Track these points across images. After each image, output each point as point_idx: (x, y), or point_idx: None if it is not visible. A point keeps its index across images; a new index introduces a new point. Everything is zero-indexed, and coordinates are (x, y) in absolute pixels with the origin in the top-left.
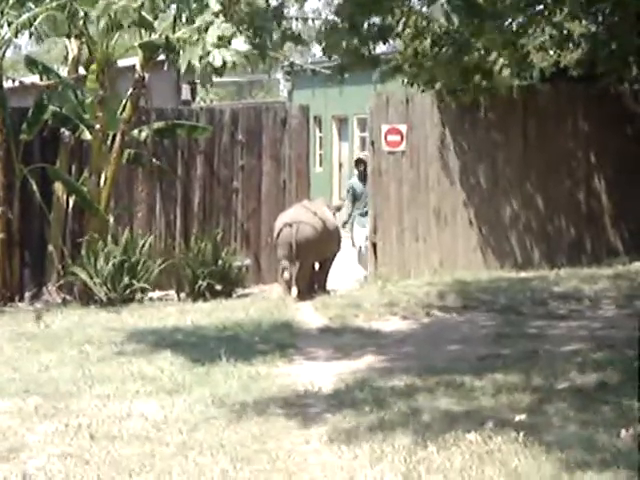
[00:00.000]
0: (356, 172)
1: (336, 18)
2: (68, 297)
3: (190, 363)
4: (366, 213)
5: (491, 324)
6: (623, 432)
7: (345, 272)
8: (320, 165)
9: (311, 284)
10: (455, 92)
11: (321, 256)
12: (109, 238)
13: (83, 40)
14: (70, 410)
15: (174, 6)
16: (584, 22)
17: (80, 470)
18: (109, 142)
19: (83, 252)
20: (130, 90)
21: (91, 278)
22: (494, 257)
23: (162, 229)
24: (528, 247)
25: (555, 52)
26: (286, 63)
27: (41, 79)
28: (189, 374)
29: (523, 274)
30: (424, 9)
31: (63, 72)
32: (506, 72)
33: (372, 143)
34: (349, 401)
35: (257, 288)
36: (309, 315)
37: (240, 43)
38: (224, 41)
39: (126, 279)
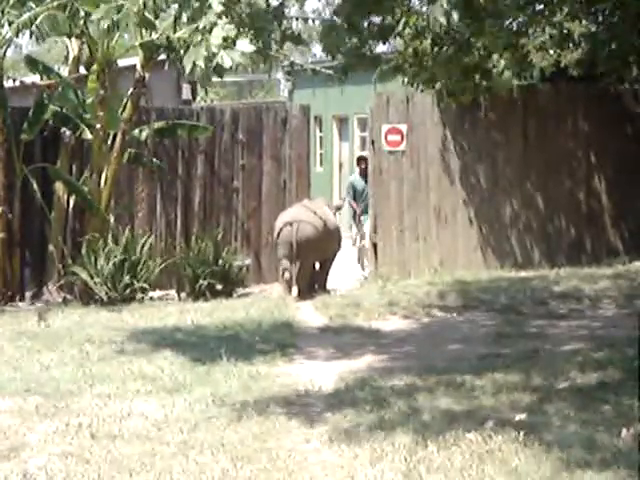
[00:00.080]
0: (357, 169)
1: (335, 18)
2: (69, 296)
3: (190, 362)
4: (366, 211)
5: (491, 324)
6: (624, 431)
7: (345, 272)
8: (320, 165)
9: (311, 284)
10: (455, 92)
11: (321, 256)
12: (110, 238)
13: (84, 40)
14: (71, 409)
15: (175, 6)
16: (584, 22)
17: (81, 469)
18: (110, 142)
19: (84, 252)
20: (131, 90)
21: (92, 278)
22: (494, 257)
23: (163, 229)
24: (528, 247)
25: (555, 52)
26: (286, 63)
27: (42, 79)
28: (189, 373)
29: (523, 274)
30: (424, 9)
31: (64, 72)
32: (507, 74)
33: (372, 143)
34: (349, 400)
35: (258, 288)
36: (309, 314)
37: (245, 44)
38: (229, 42)
39: (127, 278)
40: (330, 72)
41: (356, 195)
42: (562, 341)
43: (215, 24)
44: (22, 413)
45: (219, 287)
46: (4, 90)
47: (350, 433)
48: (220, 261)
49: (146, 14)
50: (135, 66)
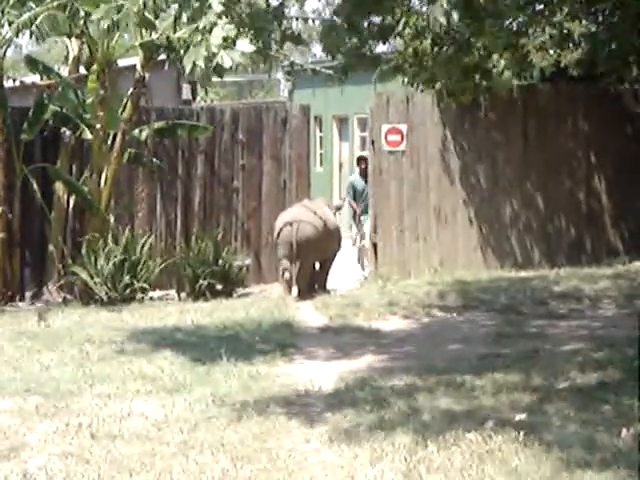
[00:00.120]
0: (357, 170)
1: (335, 18)
2: (69, 296)
3: (190, 362)
4: (366, 211)
5: (491, 324)
6: (624, 431)
7: (345, 272)
8: (320, 165)
9: (311, 284)
10: (455, 92)
11: (321, 256)
12: (110, 238)
13: (84, 40)
14: (71, 409)
15: (175, 6)
16: (584, 22)
17: (81, 469)
18: (110, 142)
19: (84, 252)
20: (131, 90)
21: (91, 278)
22: (494, 257)
23: (163, 229)
24: (528, 247)
25: (555, 52)
26: (286, 63)
27: (42, 79)
28: (189, 373)
29: (523, 274)
30: (424, 9)
31: (64, 72)
32: (507, 74)
33: (372, 143)
34: (349, 400)
35: (258, 288)
36: (309, 314)
37: (245, 44)
38: (229, 42)
39: (127, 278)
40: (330, 72)
41: (356, 195)
42: (562, 341)
43: (215, 24)
44: (22, 413)
45: (219, 287)
46: (4, 90)
47: (350, 433)
48: (220, 261)
49: (146, 14)
50: (135, 66)
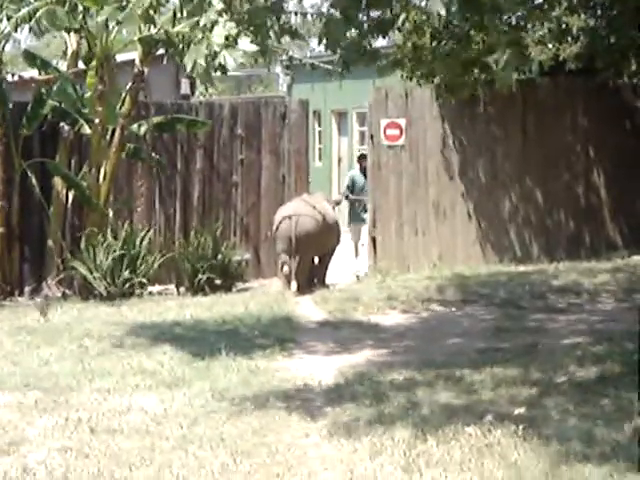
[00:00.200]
0: (357, 166)
1: (332, 11)
2: (68, 291)
3: (190, 357)
4: (363, 209)
5: (490, 318)
6: (626, 427)
7: (344, 266)
8: (319, 159)
9: (310, 278)
10: (453, 87)
11: (321, 250)
12: (109, 232)
13: (82, 34)
14: (70, 404)
15: (175, 0)
16: (583, 16)
17: (80, 464)
18: (108, 136)
19: (83, 246)
20: (129, 84)
21: (91, 272)
22: (493, 251)
23: (162, 223)
24: (527, 241)
25: (554, 46)
26: (285, 57)
27: (40, 73)
28: (189, 368)
29: (522, 268)
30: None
31: (62, 66)
32: (509, 69)
33: (371, 137)
34: (349, 395)
35: (257, 282)
36: (309, 309)
37: (247, 43)
38: (230, 41)
39: (126, 273)
40: (329, 67)
41: (355, 190)
42: (561, 335)
43: (216, 22)
44: (21, 408)
45: (218, 282)
46: (4, 85)
47: (349, 427)
48: (219, 256)
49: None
50: (134, 61)
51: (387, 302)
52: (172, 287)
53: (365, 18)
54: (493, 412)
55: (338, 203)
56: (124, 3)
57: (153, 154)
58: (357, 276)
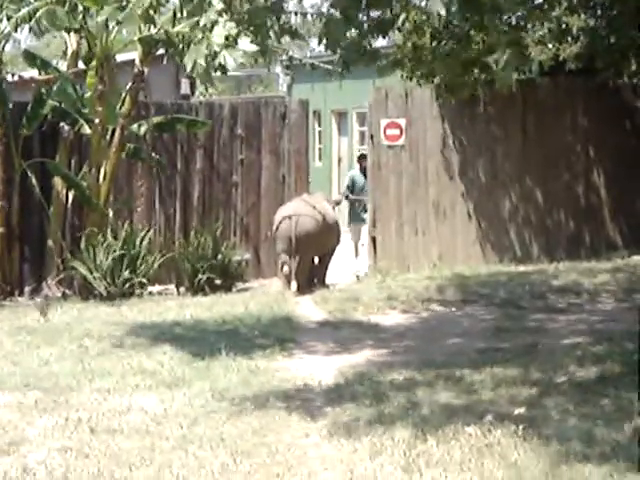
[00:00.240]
0: (357, 166)
1: (332, 11)
2: (68, 291)
3: (190, 357)
4: (363, 209)
5: (490, 318)
6: (626, 427)
7: (344, 266)
8: (319, 159)
9: (310, 278)
10: (453, 87)
11: (320, 250)
12: (109, 232)
13: (82, 34)
14: (70, 404)
15: (175, 0)
16: (583, 16)
17: (80, 464)
18: (108, 136)
19: (83, 246)
20: (129, 84)
21: (91, 272)
22: (493, 251)
23: (162, 223)
24: (527, 241)
25: (554, 46)
26: (285, 57)
27: (40, 73)
28: (189, 368)
29: (522, 268)
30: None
31: (62, 66)
32: (509, 70)
33: (371, 137)
34: (349, 395)
35: (257, 282)
36: (309, 309)
37: (247, 43)
38: (230, 41)
39: (126, 273)
40: (329, 67)
41: (355, 190)
42: (561, 335)
43: (216, 22)
44: (21, 408)
45: (218, 282)
46: (4, 86)
47: (349, 427)
48: (219, 256)
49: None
50: (134, 61)
51: (387, 302)
52: (172, 287)
53: (365, 18)
54: (493, 412)
55: (338, 203)
56: (124, 3)
57: (153, 154)
58: (357, 276)
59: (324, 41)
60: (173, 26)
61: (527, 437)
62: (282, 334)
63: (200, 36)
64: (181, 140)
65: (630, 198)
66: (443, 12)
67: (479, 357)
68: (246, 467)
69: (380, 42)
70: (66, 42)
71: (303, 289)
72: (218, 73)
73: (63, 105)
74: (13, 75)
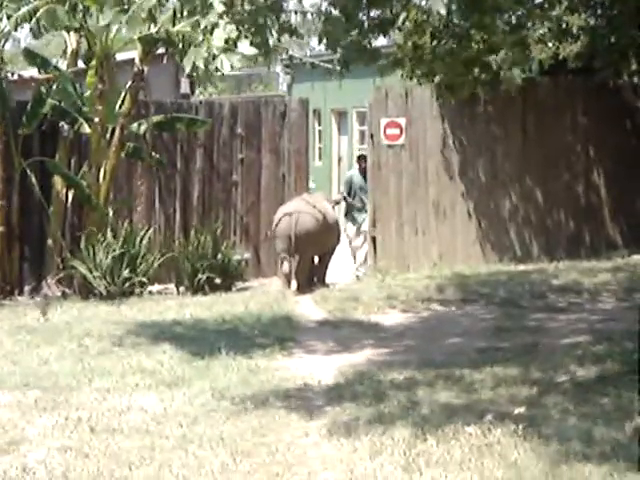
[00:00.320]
0: (356, 166)
1: (332, 9)
2: (67, 290)
3: (190, 356)
4: (362, 209)
5: (490, 317)
6: (626, 426)
7: (344, 266)
8: (319, 159)
9: (310, 277)
10: (453, 86)
11: (320, 249)
12: (108, 232)
13: (82, 33)
14: (70, 403)
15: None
16: (583, 15)
17: (80, 463)
18: (108, 136)
19: (82, 245)
20: (129, 83)
21: (90, 272)
22: (493, 250)
23: (161, 223)
24: (527, 240)
25: (554, 45)
26: (285, 56)
27: (40, 72)
28: (189, 367)
29: (522, 267)
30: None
31: (62, 65)
32: (515, 70)
33: (371, 136)
34: (349, 394)
35: (257, 281)
36: (308, 308)
37: (246, 46)
38: (230, 44)
39: (125, 272)
40: (329, 66)
41: (352, 190)
42: (561, 335)
43: (216, 24)
44: (21, 407)
45: (218, 281)
46: (3, 84)
47: (349, 427)
48: (219, 255)
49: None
50: (134, 60)
51: (387, 301)
52: (172, 286)
53: (365, 17)
54: (493, 411)
55: (338, 203)
56: (125, 3)
57: (153, 153)
58: (357, 276)
59: (324, 40)
60: (173, 25)
61: (527, 437)
62: (282, 333)
63: (200, 38)
64: (181, 139)
65: (630, 198)
66: (443, 11)
67: (479, 356)
68: (246, 466)
69: (380, 41)
70: (66, 41)
71: (303, 288)
72: (217, 73)
73: (63, 104)
74: (13, 74)
